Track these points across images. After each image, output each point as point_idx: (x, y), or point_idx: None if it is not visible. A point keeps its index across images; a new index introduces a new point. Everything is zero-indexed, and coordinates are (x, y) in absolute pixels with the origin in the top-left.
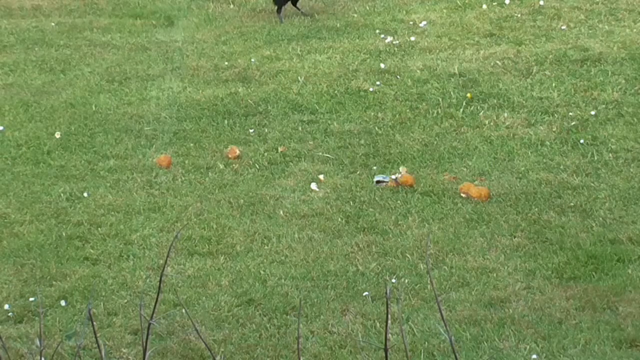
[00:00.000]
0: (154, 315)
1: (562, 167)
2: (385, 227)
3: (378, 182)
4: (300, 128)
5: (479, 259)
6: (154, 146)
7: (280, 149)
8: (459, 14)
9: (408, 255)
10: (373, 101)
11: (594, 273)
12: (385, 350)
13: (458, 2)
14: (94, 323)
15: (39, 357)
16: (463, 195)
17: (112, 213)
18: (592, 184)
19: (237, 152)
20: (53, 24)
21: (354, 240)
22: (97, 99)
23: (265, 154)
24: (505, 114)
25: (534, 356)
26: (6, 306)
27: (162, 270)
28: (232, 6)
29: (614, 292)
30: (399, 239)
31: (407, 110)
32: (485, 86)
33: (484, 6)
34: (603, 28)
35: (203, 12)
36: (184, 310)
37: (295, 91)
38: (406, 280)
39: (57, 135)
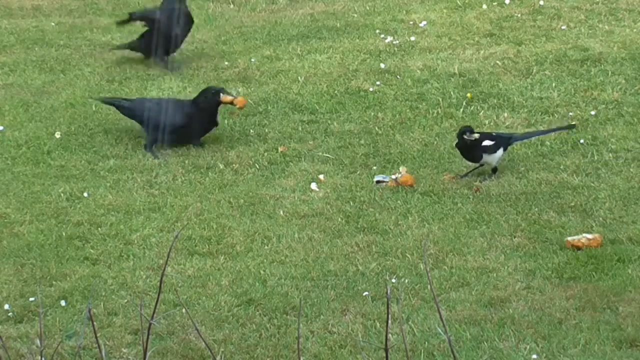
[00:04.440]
0: (155, 315)
1: (562, 167)
2: (385, 227)
3: (378, 182)
4: (300, 128)
5: (479, 259)
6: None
7: (280, 149)
8: (459, 14)
9: (408, 255)
10: (373, 101)
11: (594, 273)
12: (386, 350)
13: (458, 2)
14: (94, 323)
15: (39, 357)
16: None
17: (112, 213)
18: (592, 184)
19: None
20: (53, 24)
21: (354, 240)
22: None
23: (265, 154)
24: (505, 114)
25: (534, 356)
26: (6, 306)
27: (163, 270)
28: (232, 6)
29: (614, 292)
30: (399, 239)
31: (407, 110)
32: (485, 86)
33: (484, 6)
34: (603, 28)
35: (203, 12)
36: (184, 310)
37: (295, 91)
38: (406, 280)
39: (57, 135)
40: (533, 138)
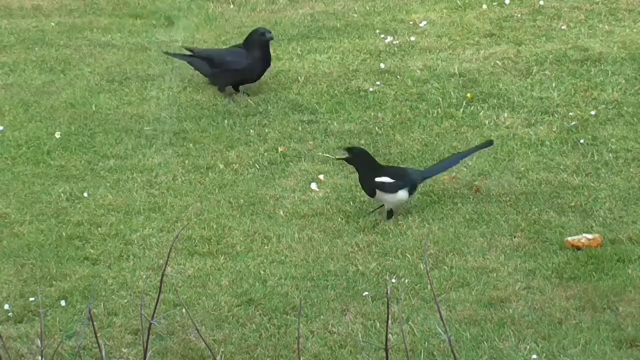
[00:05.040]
0: (155, 315)
1: (562, 167)
2: (385, 227)
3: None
4: (300, 128)
5: (479, 259)
6: (154, 146)
7: (280, 149)
8: (459, 14)
9: (408, 255)
10: (373, 101)
11: (594, 273)
12: (386, 350)
13: (458, 2)
14: (94, 323)
15: (39, 357)
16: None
17: (112, 213)
18: (592, 184)
19: None
20: (53, 24)
21: (354, 240)
22: (97, 99)
23: (265, 154)
24: (505, 114)
25: (534, 356)
26: (6, 306)
27: (163, 270)
28: (232, 6)
29: (614, 292)
30: (399, 239)
31: (407, 110)
32: (485, 86)
33: (484, 6)
34: (603, 28)
35: (203, 12)
36: (184, 310)
37: (295, 91)
38: (406, 280)
39: (57, 135)
40: (454, 166)
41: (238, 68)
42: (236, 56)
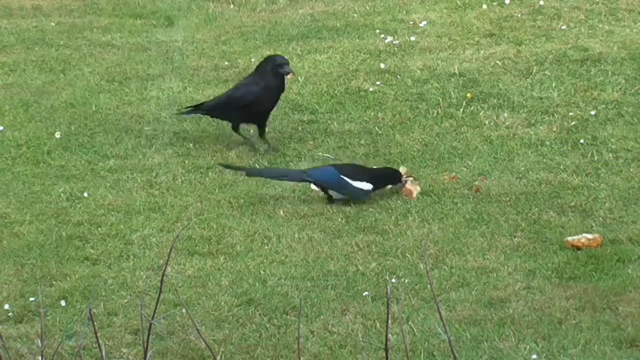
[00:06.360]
0: (155, 315)
1: (562, 167)
2: (385, 227)
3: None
4: (300, 128)
5: (479, 259)
6: (154, 146)
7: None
8: (459, 14)
9: (408, 255)
10: (373, 101)
11: (594, 273)
12: (386, 350)
13: (458, 2)
14: (94, 323)
15: (39, 357)
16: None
17: (112, 213)
18: (592, 184)
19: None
20: (53, 24)
21: (354, 240)
22: (97, 99)
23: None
24: (505, 114)
25: (534, 356)
26: (6, 306)
27: (164, 270)
28: (232, 6)
29: (614, 292)
30: (399, 239)
31: (407, 110)
32: (485, 86)
33: (484, 6)
34: (603, 28)
35: (203, 12)
36: (184, 310)
37: (295, 91)
38: (406, 280)
39: (57, 135)
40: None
41: (247, 102)
42: (246, 88)
